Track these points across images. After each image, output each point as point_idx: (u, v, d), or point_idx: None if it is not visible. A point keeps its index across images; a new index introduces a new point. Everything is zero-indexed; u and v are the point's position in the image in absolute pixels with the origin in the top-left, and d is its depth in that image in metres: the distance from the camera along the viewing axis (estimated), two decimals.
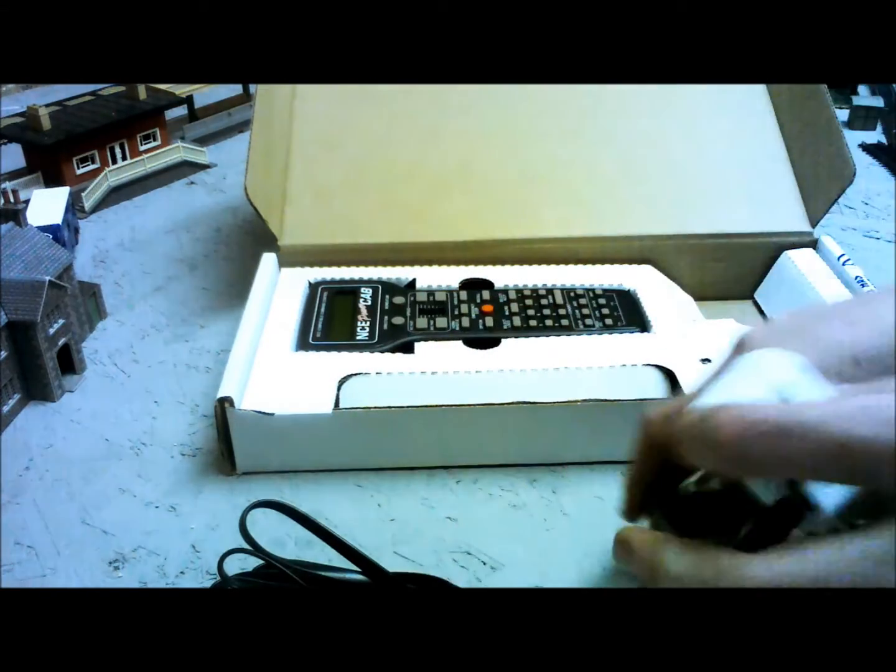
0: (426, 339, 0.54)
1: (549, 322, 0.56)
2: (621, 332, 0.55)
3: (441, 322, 0.56)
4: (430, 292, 0.59)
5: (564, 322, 0.56)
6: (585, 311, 0.57)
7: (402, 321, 0.56)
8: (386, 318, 0.56)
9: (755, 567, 0.27)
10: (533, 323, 0.56)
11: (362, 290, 0.59)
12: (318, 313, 0.57)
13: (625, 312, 0.57)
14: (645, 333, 0.55)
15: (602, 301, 0.58)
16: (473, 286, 0.60)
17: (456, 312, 0.57)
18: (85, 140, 0.84)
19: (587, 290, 0.59)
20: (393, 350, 0.54)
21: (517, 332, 0.55)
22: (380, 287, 0.59)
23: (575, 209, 0.66)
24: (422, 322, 0.56)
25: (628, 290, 0.60)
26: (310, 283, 0.60)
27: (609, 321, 0.56)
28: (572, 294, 0.59)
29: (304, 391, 0.49)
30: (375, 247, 0.64)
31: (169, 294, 0.70)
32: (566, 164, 0.68)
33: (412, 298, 0.58)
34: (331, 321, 0.56)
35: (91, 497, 0.50)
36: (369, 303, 0.58)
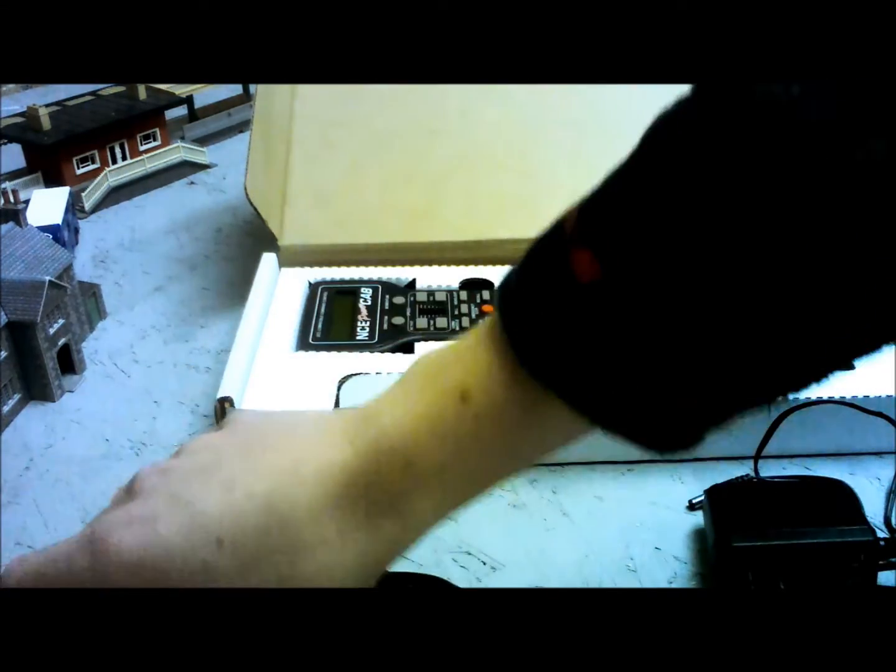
0: (426, 339, 0.54)
1: None
2: None
3: (441, 322, 0.56)
4: (430, 292, 0.59)
5: None
6: None
7: (402, 321, 0.56)
8: (386, 318, 0.56)
9: None
10: None
11: (362, 290, 0.59)
12: (318, 313, 0.57)
13: None
14: None
15: None
16: (473, 286, 0.60)
17: (456, 312, 0.57)
18: (85, 140, 0.84)
19: None
20: (393, 350, 0.53)
21: None
22: (380, 287, 0.59)
23: None
24: (422, 322, 0.56)
25: None
26: (310, 283, 0.60)
27: None
28: None
29: (304, 391, 0.49)
30: (375, 247, 0.64)
31: (169, 294, 0.70)
32: (566, 164, 0.68)
33: (412, 298, 0.58)
34: (331, 321, 0.56)
35: (91, 497, 0.50)
36: (369, 303, 0.58)
